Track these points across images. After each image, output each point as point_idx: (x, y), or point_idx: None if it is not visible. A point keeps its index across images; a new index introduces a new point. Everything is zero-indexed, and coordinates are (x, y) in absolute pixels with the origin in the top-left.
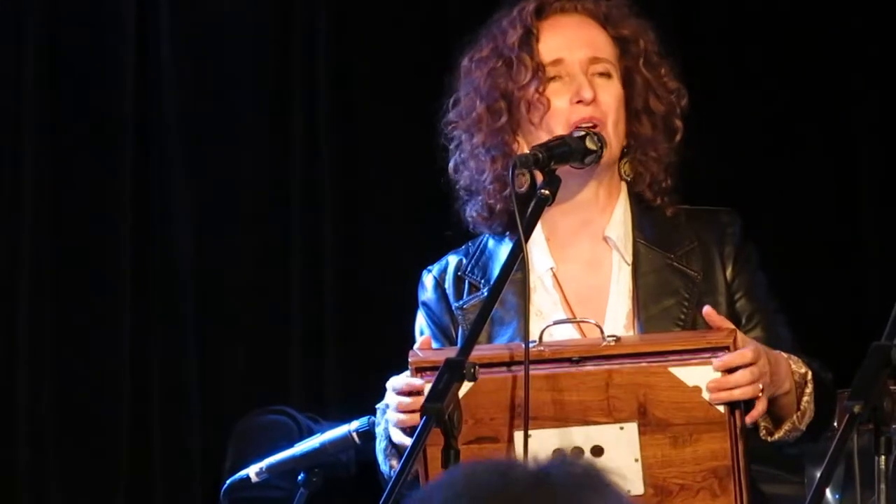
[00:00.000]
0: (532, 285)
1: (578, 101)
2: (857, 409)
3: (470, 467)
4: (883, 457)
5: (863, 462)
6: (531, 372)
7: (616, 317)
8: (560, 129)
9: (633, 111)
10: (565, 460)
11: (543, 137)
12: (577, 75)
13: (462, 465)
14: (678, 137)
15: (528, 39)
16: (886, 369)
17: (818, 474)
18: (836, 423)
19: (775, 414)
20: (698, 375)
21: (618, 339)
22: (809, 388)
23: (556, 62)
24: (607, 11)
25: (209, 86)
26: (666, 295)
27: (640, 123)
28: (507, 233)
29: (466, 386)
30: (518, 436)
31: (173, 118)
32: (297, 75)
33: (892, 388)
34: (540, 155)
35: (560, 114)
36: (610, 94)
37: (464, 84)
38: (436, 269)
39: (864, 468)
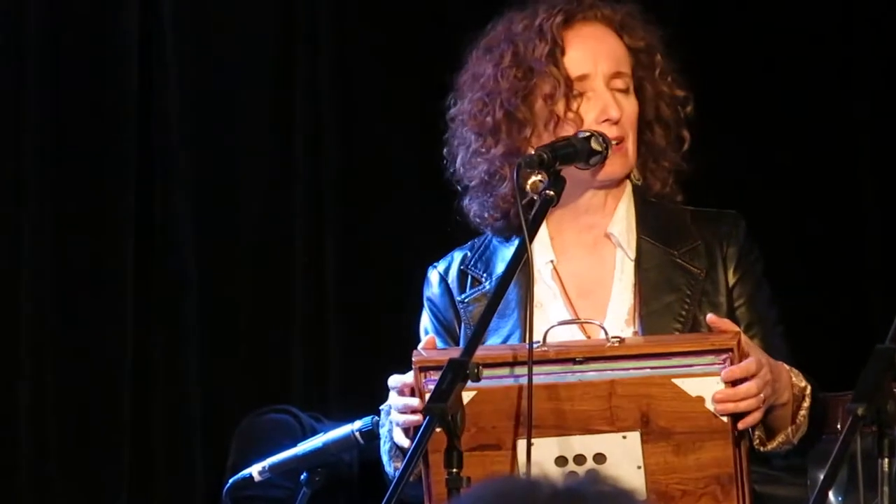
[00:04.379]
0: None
1: (605, 120)
2: (860, 411)
3: (497, 484)
4: (886, 459)
5: (866, 464)
6: (534, 381)
7: (617, 311)
8: None
9: (644, 121)
10: (595, 478)
11: None
12: (603, 92)
13: (488, 482)
14: (685, 147)
15: (555, 52)
16: (890, 372)
17: (821, 476)
18: (839, 426)
19: (769, 425)
20: (701, 386)
21: (621, 340)
22: (807, 403)
23: (582, 77)
24: (622, 20)
25: (212, 85)
26: (668, 291)
27: (652, 133)
28: (513, 235)
29: (469, 395)
30: (521, 444)
31: (175, 118)
32: (301, 74)
33: (895, 390)
34: (545, 156)
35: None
36: (630, 109)
37: (479, 85)
38: (441, 265)
39: (866, 470)
